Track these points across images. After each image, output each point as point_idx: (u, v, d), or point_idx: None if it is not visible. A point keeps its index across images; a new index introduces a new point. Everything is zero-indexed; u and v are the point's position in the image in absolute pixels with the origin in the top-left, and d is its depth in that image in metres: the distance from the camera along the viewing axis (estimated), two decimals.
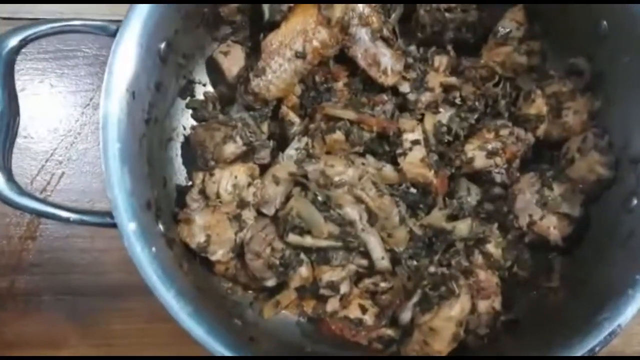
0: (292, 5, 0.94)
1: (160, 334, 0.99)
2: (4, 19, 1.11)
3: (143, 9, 0.78)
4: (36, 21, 0.75)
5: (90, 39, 1.12)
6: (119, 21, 1.04)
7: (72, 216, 0.74)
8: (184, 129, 1.00)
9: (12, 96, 0.72)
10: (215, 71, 1.00)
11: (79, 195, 1.07)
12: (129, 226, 0.73)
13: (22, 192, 0.72)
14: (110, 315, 1.03)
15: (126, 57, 0.76)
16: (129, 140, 0.77)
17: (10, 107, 0.71)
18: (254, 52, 0.97)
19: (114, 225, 0.73)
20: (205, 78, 1.01)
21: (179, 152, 0.99)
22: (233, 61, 0.98)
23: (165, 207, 0.88)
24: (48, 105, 1.09)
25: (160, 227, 0.82)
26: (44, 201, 0.73)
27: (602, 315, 0.75)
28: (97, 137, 0.95)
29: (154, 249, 0.74)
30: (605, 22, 0.85)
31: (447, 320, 0.83)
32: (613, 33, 0.84)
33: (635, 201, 0.81)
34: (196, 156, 0.95)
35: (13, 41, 0.72)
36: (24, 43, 0.72)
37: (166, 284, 0.74)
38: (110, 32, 0.77)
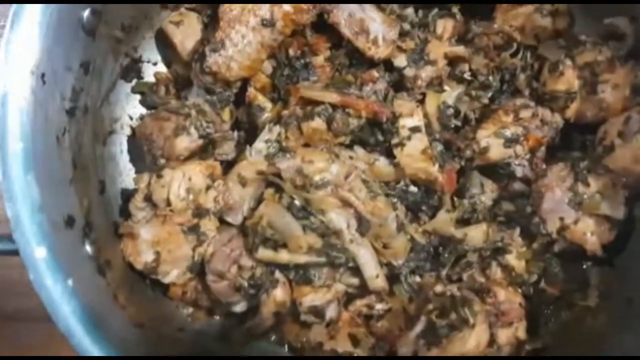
0: None
1: None
2: None
3: None
4: None
5: None
6: None
7: None
8: (131, 119, 0.85)
9: None
10: (167, 46, 0.85)
11: None
12: (36, 252, 0.58)
13: None
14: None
15: (30, 28, 0.60)
16: (39, 138, 0.61)
17: None
18: (212, 22, 0.82)
19: (15, 253, 0.56)
20: (155, 56, 0.87)
21: (125, 147, 0.84)
22: (187, 33, 0.83)
23: (100, 218, 0.74)
24: None
25: (88, 248, 0.66)
26: None
27: None
28: None
29: (70, 281, 0.57)
30: None
31: (460, 357, 0.66)
32: None
33: None
34: (144, 153, 0.78)
35: None
36: None
37: (87, 325, 0.58)
38: None
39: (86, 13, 0.67)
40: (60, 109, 0.65)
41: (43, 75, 0.61)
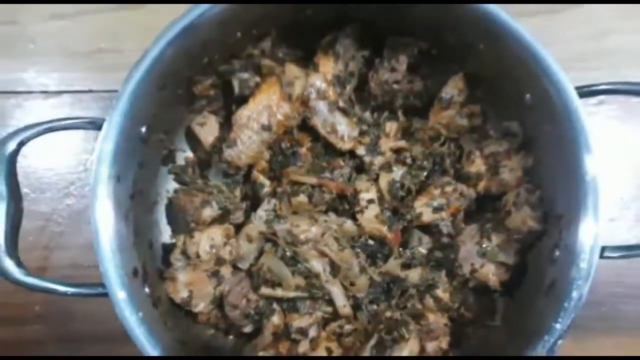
0: (258, 81, 1.06)
1: None
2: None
3: (124, 103, 0.89)
4: (30, 124, 0.87)
5: (82, 105, 1.25)
6: (110, 91, 1.18)
7: (70, 290, 0.86)
8: (168, 191, 1.11)
9: (15, 191, 0.84)
10: (193, 139, 1.11)
11: (79, 251, 1.19)
12: (119, 295, 0.86)
13: (28, 274, 0.84)
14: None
15: (111, 148, 0.87)
16: (118, 221, 0.88)
17: (15, 200, 0.84)
18: (226, 122, 1.09)
19: (106, 295, 0.85)
20: (185, 145, 1.12)
21: (164, 213, 1.10)
22: (209, 131, 1.09)
23: (151, 267, 1.00)
24: (46, 169, 1.21)
25: (147, 290, 0.94)
26: (46, 279, 0.86)
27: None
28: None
29: (140, 313, 0.86)
30: (528, 95, 0.95)
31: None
32: (536, 105, 0.94)
33: (557, 252, 0.91)
34: (178, 218, 1.06)
35: (12, 145, 0.85)
36: (21, 145, 0.85)
37: (152, 343, 0.86)
38: (97, 125, 0.89)
39: (144, 129, 0.94)
40: (126, 196, 0.92)
41: (118, 177, 0.88)
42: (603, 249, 0.88)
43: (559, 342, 0.85)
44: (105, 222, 0.86)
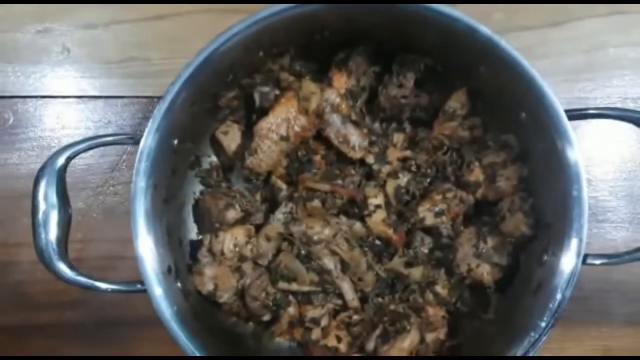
0: (278, 94, 1.16)
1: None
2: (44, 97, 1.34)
3: (160, 121, 0.99)
4: (76, 141, 0.98)
5: (114, 110, 1.35)
6: (140, 97, 1.28)
7: (111, 287, 0.98)
8: (194, 193, 1.21)
9: (65, 200, 0.96)
10: (217, 146, 1.21)
11: (111, 244, 1.31)
12: (156, 291, 0.97)
13: (79, 274, 0.96)
14: (141, 342, 1.28)
15: (149, 162, 0.98)
16: (154, 226, 0.99)
17: (65, 208, 0.95)
18: (248, 130, 1.18)
19: (144, 291, 0.98)
20: (209, 151, 1.22)
21: (191, 213, 1.21)
22: (231, 139, 1.18)
23: (181, 263, 1.11)
24: (83, 170, 1.32)
25: (179, 284, 1.05)
26: (91, 277, 0.97)
27: (513, 351, 0.98)
28: (123, 194, 1.20)
29: (175, 307, 0.98)
30: (524, 114, 1.04)
31: (400, 350, 1.07)
32: (530, 123, 1.03)
33: (545, 257, 1.02)
34: (204, 218, 1.18)
35: (61, 160, 0.95)
36: (69, 160, 0.96)
37: (184, 332, 0.98)
38: (136, 140, 0.99)
39: (176, 141, 1.03)
40: (161, 201, 1.02)
41: (155, 185, 0.99)
42: (585, 256, 0.98)
43: (544, 338, 0.96)
44: (144, 229, 0.97)
